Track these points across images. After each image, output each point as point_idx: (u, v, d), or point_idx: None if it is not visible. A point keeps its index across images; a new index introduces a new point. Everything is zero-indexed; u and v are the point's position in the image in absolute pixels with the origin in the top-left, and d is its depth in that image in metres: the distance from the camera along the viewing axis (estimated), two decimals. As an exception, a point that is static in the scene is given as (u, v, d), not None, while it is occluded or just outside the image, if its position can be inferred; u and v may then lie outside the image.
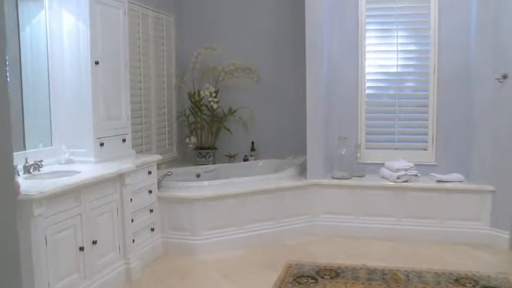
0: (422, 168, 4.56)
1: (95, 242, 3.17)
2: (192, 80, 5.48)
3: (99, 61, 3.57)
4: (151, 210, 4.05)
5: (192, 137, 5.46)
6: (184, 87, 5.54)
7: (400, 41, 4.69)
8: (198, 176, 5.06)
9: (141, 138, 4.79)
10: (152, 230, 4.06)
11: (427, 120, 4.68)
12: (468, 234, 4.24)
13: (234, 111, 5.49)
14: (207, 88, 5.33)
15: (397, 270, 3.61)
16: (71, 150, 3.59)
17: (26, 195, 2.57)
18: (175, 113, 5.55)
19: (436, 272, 3.57)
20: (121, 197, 3.49)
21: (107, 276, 3.32)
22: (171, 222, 4.16)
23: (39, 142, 3.55)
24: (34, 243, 2.64)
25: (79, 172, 3.23)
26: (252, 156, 5.51)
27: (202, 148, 5.48)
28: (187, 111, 5.51)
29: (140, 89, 4.76)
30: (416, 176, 4.44)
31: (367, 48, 4.78)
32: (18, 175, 3.07)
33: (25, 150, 3.38)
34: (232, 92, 5.55)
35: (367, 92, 4.82)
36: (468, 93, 4.46)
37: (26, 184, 2.83)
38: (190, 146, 5.48)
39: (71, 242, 2.97)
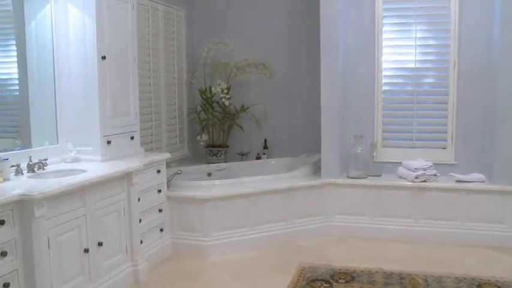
0: (442, 167, 4.39)
1: (100, 244, 3.07)
2: (203, 76, 5.36)
3: (106, 56, 3.47)
4: (160, 210, 3.94)
5: (203, 135, 5.35)
6: (196, 83, 5.43)
7: (418, 35, 4.52)
8: (209, 174, 4.95)
9: (151, 135, 4.69)
10: (161, 230, 3.96)
11: (446, 117, 4.52)
12: (490, 236, 4.06)
13: (247, 108, 5.36)
14: (219, 84, 5.21)
15: (416, 275, 3.46)
16: (77, 148, 3.50)
17: (27, 195, 2.48)
18: (186, 109, 5.44)
19: (457, 277, 3.41)
20: (128, 196, 3.39)
21: (113, 279, 3.23)
22: (180, 223, 4.05)
23: (45, 140, 3.47)
24: (36, 245, 2.55)
25: (85, 171, 3.13)
26: (264, 154, 5.39)
27: (213, 146, 5.37)
28: (199, 108, 5.40)
29: (150, 85, 4.66)
30: (435, 175, 4.28)
31: (384, 43, 4.61)
32: (22, 174, 2.98)
33: (31, 148, 3.31)
34: (245, 88, 5.41)
35: (384, 88, 4.66)
36: (490, 88, 4.27)
37: (28, 183, 2.75)
38: (202, 143, 5.38)
39: (75, 243, 2.88)
